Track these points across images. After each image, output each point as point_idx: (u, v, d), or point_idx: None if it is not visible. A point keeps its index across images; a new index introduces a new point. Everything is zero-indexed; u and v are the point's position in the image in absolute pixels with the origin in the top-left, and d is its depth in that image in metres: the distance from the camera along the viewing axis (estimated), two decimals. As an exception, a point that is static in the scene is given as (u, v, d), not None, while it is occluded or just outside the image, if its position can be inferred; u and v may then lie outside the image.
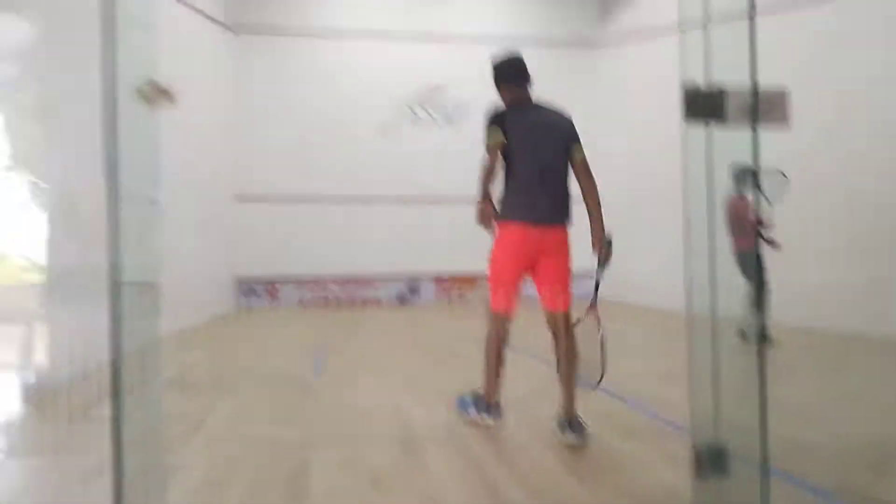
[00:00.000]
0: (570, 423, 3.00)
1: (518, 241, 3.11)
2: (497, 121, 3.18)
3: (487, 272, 3.25)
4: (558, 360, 3.14)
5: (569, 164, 3.20)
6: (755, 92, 1.84)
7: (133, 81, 1.84)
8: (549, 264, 3.14)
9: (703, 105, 1.99)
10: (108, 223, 1.75)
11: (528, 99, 3.35)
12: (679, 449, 2.64)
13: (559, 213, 3.17)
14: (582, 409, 3.06)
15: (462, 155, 12.26)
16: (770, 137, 1.90)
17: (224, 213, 10.58)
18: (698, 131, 2.04)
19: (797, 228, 6.09)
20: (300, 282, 11.25)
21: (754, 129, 1.85)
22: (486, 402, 3.28)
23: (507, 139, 3.13)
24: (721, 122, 1.99)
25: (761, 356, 1.80)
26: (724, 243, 2.37)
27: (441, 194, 11.65)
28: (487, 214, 3.10)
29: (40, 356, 4.50)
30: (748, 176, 4.68)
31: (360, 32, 12.05)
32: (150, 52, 1.87)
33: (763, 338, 4.23)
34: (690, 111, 2.02)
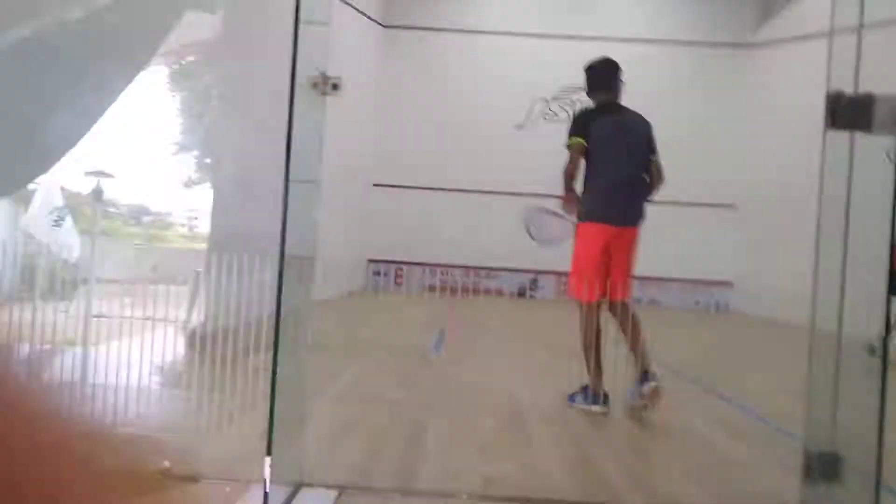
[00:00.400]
0: (646, 373, 3.25)
1: (600, 239, 3.39)
2: (581, 124, 3.48)
3: (572, 265, 3.52)
4: (626, 336, 3.37)
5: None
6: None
7: (307, 72, 2.12)
8: (620, 259, 3.44)
9: (848, 112, 1.95)
10: (283, 200, 2.02)
11: (615, 102, 3.59)
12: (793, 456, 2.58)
13: (635, 215, 3.47)
14: (699, 414, 3.05)
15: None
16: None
17: (361, 198, 11.20)
18: (841, 140, 2.01)
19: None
20: (427, 266, 11.71)
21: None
22: (593, 392, 3.39)
23: (589, 142, 3.41)
24: (867, 131, 1.94)
25: (884, 367, 1.76)
26: (861, 257, 2.30)
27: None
28: (571, 203, 3.46)
29: (202, 312, 5.12)
30: None
31: (504, 30, 12.25)
32: (324, 47, 2.14)
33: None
34: (833, 118, 2.00)
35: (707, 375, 5.06)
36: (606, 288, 3.41)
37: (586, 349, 3.42)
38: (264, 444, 1.91)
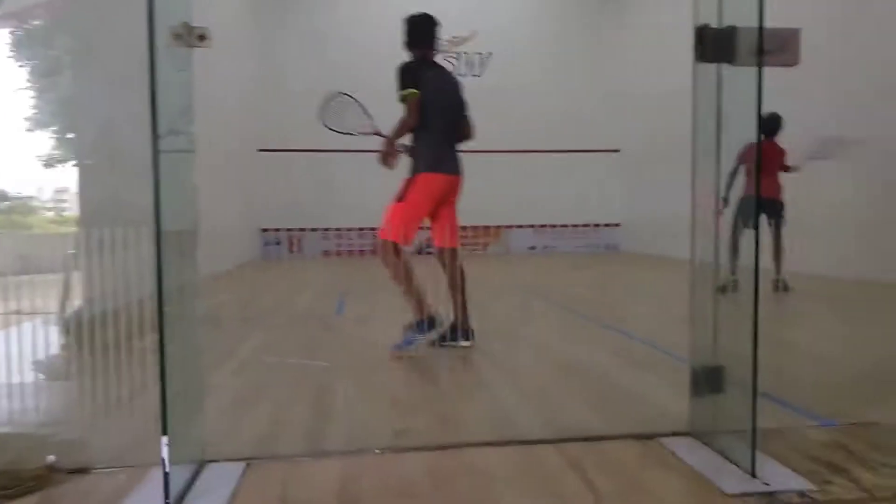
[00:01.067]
0: (467, 331, 3.64)
1: (439, 189, 3.60)
2: (412, 76, 3.55)
3: (394, 209, 3.61)
4: (451, 283, 3.72)
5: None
6: (762, 28, 1.87)
7: (168, 26, 1.94)
8: (448, 209, 3.71)
9: (714, 43, 2.04)
10: (153, 171, 1.86)
11: (434, 59, 3.77)
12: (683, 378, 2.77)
13: (461, 165, 3.74)
14: (598, 347, 3.20)
15: (484, 105, 12.29)
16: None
17: (247, 165, 10.73)
18: (708, 72, 2.11)
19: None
20: (321, 231, 11.46)
21: (760, 67, 1.90)
22: (424, 320, 3.55)
23: (422, 94, 3.52)
24: (731, 62, 2.05)
25: (756, 290, 1.90)
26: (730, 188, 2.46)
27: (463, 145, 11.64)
28: (394, 157, 3.60)
29: (78, 298, 4.74)
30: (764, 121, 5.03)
31: (381, -19, 11.91)
32: (184, 1, 1.96)
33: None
34: (702, 50, 2.08)
35: (598, 310, 5.33)
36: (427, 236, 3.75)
37: (406, 284, 3.55)
38: (159, 425, 1.80)
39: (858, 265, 6.69)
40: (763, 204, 5.83)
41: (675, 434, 2.17)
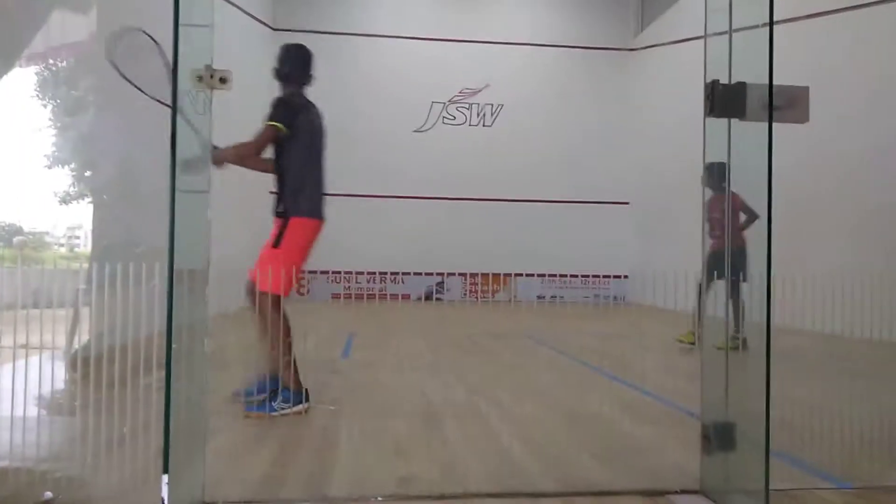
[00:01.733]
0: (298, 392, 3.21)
1: (315, 235, 3.43)
2: (293, 113, 3.33)
3: (270, 256, 3.36)
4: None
5: None
6: (772, 85, 1.91)
7: (191, 69, 2.01)
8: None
9: (725, 98, 2.08)
10: (169, 210, 1.89)
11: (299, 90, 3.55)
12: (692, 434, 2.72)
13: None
14: (604, 399, 3.15)
15: (494, 155, 12.51)
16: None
17: (258, 207, 10.83)
18: (719, 126, 2.14)
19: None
20: (331, 274, 11.49)
21: (770, 122, 1.93)
22: (300, 391, 3.22)
23: (299, 133, 3.31)
24: (741, 117, 2.08)
25: (768, 346, 1.88)
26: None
27: (471, 194, 11.77)
28: (221, 161, 3.12)
29: (85, 333, 4.74)
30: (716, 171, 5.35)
31: (397, 33, 12.28)
32: (208, 48, 2.03)
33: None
34: (712, 105, 2.12)
35: (606, 361, 5.27)
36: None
37: (286, 347, 3.21)
38: (160, 463, 1.78)
39: (864, 323, 6.62)
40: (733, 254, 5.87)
41: (684, 491, 2.12)
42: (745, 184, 2.09)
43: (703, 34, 2.18)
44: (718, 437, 2.07)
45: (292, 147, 3.31)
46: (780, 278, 2.00)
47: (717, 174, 5.98)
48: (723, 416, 2.07)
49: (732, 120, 2.08)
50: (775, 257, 1.92)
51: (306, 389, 3.23)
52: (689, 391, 2.90)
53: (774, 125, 1.92)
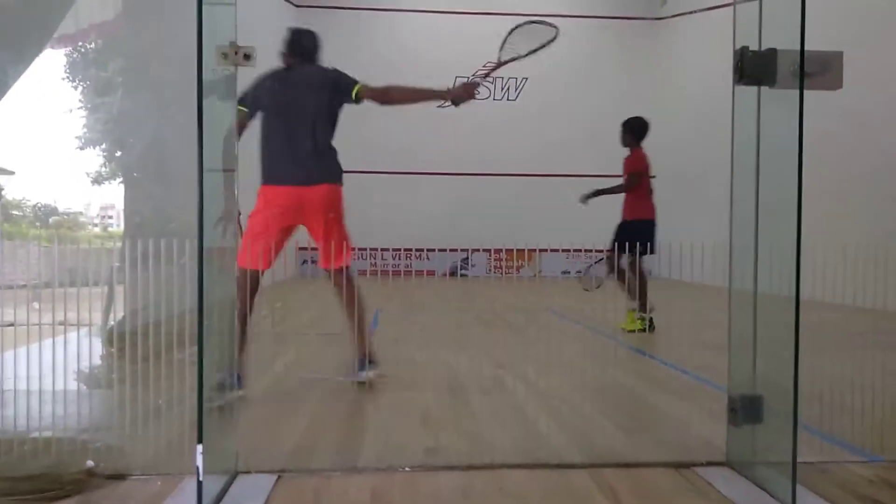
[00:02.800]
0: (363, 360, 3.18)
1: (277, 203, 3.15)
2: (249, 90, 3.15)
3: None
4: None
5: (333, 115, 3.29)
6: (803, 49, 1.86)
7: (216, 45, 2.02)
8: (322, 225, 3.25)
9: (754, 66, 2.02)
10: (197, 188, 1.92)
11: (292, 65, 3.39)
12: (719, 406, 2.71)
13: (314, 173, 3.18)
14: (632, 372, 3.15)
15: (519, 130, 12.39)
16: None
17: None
18: (748, 94, 2.09)
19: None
20: (356, 250, 11.59)
21: (801, 89, 1.88)
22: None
23: (256, 104, 3.14)
24: (772, 84, 2.02)
25: (797, 315, 1.86)
26: (771, 207, 2.41)
27: (496, 169, 11.70)
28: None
29: (120, 310, 4.87)
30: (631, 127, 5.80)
31: (420, 7, 12.15)
32: (231, 25, 2.05)
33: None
34: (741, 72, 2.07)
35: (632, 335, 5.26)
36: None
37: (357, 316, 3.27)
38: (195, 434, 1.83)
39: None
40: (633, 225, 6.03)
41: (711, 464, 2.12)
42: (775, 153, 2.05)
43: (731, 1, 2.12)
44: (745, 410, 2.06)
45: (258, 122, 3.19)
46: (809, 250, 1.96)
47: (634, 131, 5.95)
48: (750, 389, 2.06)
49: (762, 88, 2.03)
50: (805, 228, 1.88)
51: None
52: (716, 365, 2.88)
53: (806, 93, 1.87)
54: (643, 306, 5.38)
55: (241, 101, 3.01)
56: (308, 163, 3.16)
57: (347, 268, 3.37)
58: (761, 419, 2.02)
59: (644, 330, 5.26)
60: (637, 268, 5.47)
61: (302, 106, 3.19)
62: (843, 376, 3.66)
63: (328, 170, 3.26)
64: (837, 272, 5.91)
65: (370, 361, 3.22)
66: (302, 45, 3.47)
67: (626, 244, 5.06)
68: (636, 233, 5.65)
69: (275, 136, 3.15)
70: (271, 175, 3.16)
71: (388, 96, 3.42)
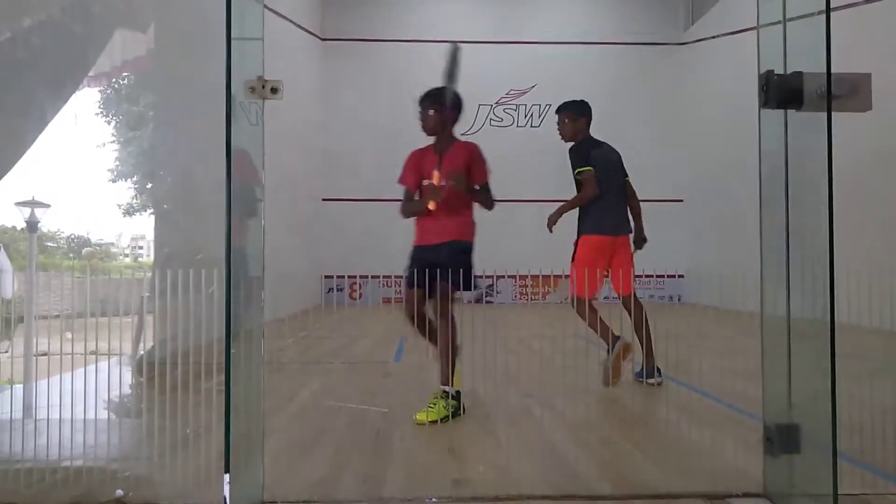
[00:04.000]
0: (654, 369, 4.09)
1: (599, 248, 4.64)
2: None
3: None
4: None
5: None
6: (830, 72, 1.84)
7: (244, 80, 2.07)
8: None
9: (780, 89, 2.01)
10: (225, 219, 1.95)
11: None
12: (753, 436, 2.64)
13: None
14: (662, 399, 3.09)
15: (543, 156, 12.40)
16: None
17: (312, 213, 11.07)
18: (774, 118, 2.07)
19: None
20: (382, 279, 11.61)
21: (829, 112, 1.86)
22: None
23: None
24: (798, 107, 2.00)
25: (832, 343, 1.81)
26: (801, 231, 2.37)
27: (520, 195, 11.71)
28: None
29: (149, 339, 4.94)
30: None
31: (443, 37, 12.32)
32: (259, 60, 2.10)
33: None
34: (767, 96, 2.05)
35: (662, 362, 5.16)
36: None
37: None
38: (222, 464, 1.84)
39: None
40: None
41: (747, 495, 2.06)
42: (805, 176, 2.02)
43: (755, 25, 2.11)
44: (782, 439, 2.00)
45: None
46: (842, 273, 1.91)
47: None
48: (786, 418, 2.00)
49: (789, 111, 2.01)
50: (836, 250, 1.84)
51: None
52: (749, 393, 2.81)
53: (834, 116, 1.85)
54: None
55: (586, 163, 4.40)
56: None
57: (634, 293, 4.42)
58: (799, 449, 1.96)
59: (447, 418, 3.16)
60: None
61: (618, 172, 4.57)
62: (884, 404, 3.55)
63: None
64: (873, 295, 5.76)
65: (658, 371, 4.08)
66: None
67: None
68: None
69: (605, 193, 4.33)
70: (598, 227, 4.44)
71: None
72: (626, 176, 4.67)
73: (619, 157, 4.65)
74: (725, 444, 2.78)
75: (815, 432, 1.90)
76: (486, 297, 11.86)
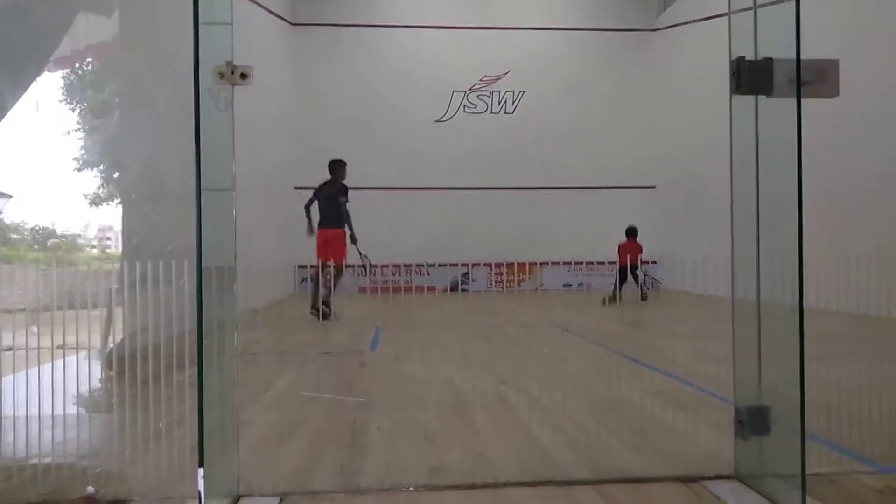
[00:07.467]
0: None
1: None
2: None
3: None
4: None
5: None
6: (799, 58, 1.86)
7: (212, 66, 2.02)
8: None
9: (751, 75, 2.02)
10: (195, 208, 1.91)
11: None
12: (724, 418, 2.68)
13: None
14: (636, 385, 3.12)
15: (517, 143, 12.43)
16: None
17: (283, 202, 10.93)
18: (746, 104, 2.09)
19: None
20: (356, 267, 11.56)
21: (799, 98, 1.88)
22: None
23: None
24: (769, 93, 2.02)
25: (801, 326, 1.84)
26: (772, 216, 2.40)
27: (495, 183, 11.72)
28: None
29: (119, 332, 4.84)
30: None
31: (415, 23, 12.23)
32: (227, 46, 2.05)
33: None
34: (738, 82, 2.07)
35: (635, 348, 5.23)
36: None
37: None
38: (196, 458, 1.81)
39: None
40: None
41: (719, 477, 2.09)
42: (775, 161, 2.04)
43: (726, 11, 2.12)
44: (752, 422, 2.04)
45: None
46: (811, 259, 1.95)
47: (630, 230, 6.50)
48: (756, 400, 2.04)
49: (759, 97, 2.03)
50: (806, 237, 1.87)
51: None
52: (721, 376, 2.86)
53: (805, 100, 1.87)
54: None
55: None
56: None
57: None
58: (769, 431, 2.00)
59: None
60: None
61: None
62: (851, 386, 3.64)
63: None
64: (841, 280, 5.90)
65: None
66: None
67: None
68: None
69: None
70: None
71: None
72: None
73: None
74: (699, 427, 2.82)
75: (784, 414, 1.94)
76: (461, 284, 11.88)
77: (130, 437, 2.79)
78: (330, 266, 7.21)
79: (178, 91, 2.24)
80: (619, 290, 9.67)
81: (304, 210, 7.65)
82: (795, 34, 1.87)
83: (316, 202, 7.49)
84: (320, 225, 7.42)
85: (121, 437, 2.85)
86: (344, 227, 7.39)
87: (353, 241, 7.50)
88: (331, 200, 7.32)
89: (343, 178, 7.51)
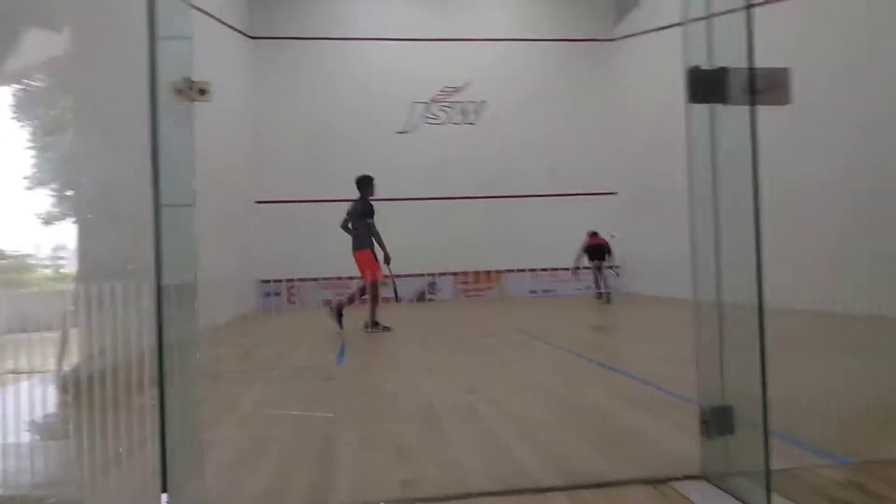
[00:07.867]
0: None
1: None
2: None
3: None
4: None
5: None
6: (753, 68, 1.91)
7: (169, 82, 1.98)
8: None
9: (706, 84, 2.08)
10: (153, 225, 1.86)
11: None
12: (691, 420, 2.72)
13: None
14: (603, 389, 3.14)
15: (479, 153, 12.51)
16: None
17: (244, 217, 10.78)
18: (701, 112, 2.14)
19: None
20: (319, 281, 11.44)
21: (753, 105, 1.93)
22: None
23: None
24: (723, 102, 2.08)
25: (761, 328, 1.89)
26: (730, 219, 2.46)
27: (458, 192, 11.77)
28: None
29: (75, 355, 4.69)
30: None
31: (373, 35, 12.24)
32: (186, 61, 2.01)
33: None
34: (694, 92, 2.12)
35: (601, 352, 5.28)
36: None
37: None
38: (158, 483, 1.76)
39: (857, 300, 6.67)
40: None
41: (687, 478, 2.12)
42: (731, 167, 2.09)
43: (681, 21, 2.18)
44: (717, 422, 2.08)
45: None
46: (769, 258, 1.99)
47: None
48: (720, 400, 2.07)
49: (715, 105, 2.09)
50: (764, 238, 1.92)
51: None
52: (687, 377, 2.90)
53: (760, 109, 1.93)
54: None
55: None
56: None
57: None
58: (733, 430, 2.03)
59: None
60: None
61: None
62: (811, 382, 3.74)
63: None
64: (799, 279, 6.08)
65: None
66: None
67: None
68: None
69: None
70: None
71: None
72: None
73: None
74: (666, 429, 2.86)
75: (747, 413, 1.98)
76: (427, 294, 11.87)
77: (89, 464, 2.69)
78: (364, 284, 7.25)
79: (135, 106, 2.18)
80: (602, 285, 10.44)
81: (343, 231, 7.61)
82: (747, 43, 1.93)
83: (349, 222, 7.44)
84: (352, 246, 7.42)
85: (78, 465, 2.75)
86: (366, 248, 7.27)
87: (387, 261, 7.35)
88: (358, 220, 7.29)
89: (371, 195, 7.49)
